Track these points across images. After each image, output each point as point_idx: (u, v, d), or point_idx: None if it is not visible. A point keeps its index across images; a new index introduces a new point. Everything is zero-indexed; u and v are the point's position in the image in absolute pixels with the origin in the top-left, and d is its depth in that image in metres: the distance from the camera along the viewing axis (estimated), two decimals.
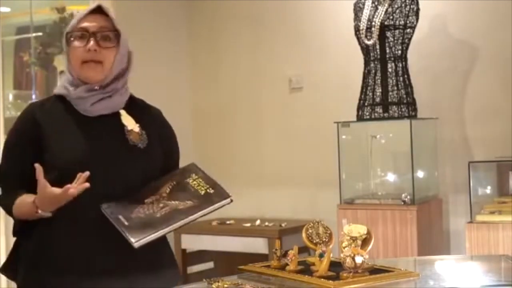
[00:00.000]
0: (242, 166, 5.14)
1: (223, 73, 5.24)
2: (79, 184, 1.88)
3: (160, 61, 5.11)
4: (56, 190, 1.88)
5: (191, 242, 4.76)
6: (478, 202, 3.90)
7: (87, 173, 1.89)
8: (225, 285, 1.88)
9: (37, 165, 1.90)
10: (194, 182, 1.99)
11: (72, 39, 2.06)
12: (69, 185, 1.87)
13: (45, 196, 1.91)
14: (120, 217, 1.90)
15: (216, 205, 1.93)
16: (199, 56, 5.35)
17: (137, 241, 1.84)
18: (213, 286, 1.87)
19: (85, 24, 2.05)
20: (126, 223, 1.88)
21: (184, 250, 4.75)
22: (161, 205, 1.93)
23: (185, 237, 4.72)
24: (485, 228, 3.64)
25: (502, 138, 4.14)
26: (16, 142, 2.09)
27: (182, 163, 2.15)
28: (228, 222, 4.80)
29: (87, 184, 1.88)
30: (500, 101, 4.22)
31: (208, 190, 1.96)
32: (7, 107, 4.70)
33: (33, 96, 5.03)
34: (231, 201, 1.94)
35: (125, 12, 4.78)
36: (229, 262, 4.49)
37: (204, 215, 1.93)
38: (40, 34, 5.05)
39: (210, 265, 4.99)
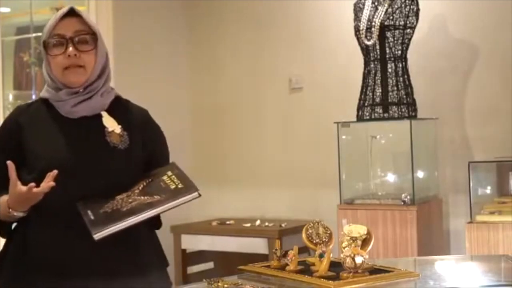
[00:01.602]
0: (242, 166, 5.13)
1: (223, 73, 5.24)
2: (46, 183, 1.89)
3: (160, 61, 5.11)
4: (23, 188, 1.89)
5: (191, 242, 4.76)
6: (478, 202, 3.90)
7: (55, 172, 1.89)
8: (225, 285, 1.88)
9: (9, 162, 1.91)
10: (168, 179, 2.00)
11: (49, 46, 2.06)
12: (33, 184, 1.88)
13: (15, 194, 1.92)
14: (89, 212, 1.92)
15: (183, 199, 1.92)
16: (199, 56, 5.34)
17: (96, 233, 1.86)
18: (213, 286, 1.87)
19: (61, 30, 2.05)
20: (92, 217, 1.90)
21: (184, 250, 4.75)
22: (130, 200, 1.94)
23: (185, 237, 4.72)
24: (485, 228, 3.64)
25: (502, 138, 4.14)
26: (0, 145, 2.10)
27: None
28: (228, 222, 4.80)
29: (52, 183, 1.89)
30: (500, 101, 4.22)
31: (178, 185, 1.96)
32: (7, 107, 4.70)
33: (33, 96, 5.03)
34: (199, 195, 1.92)
35: (125, 12, 4.79)
36: (229, 262, 4.49)
37: (170, 208, 1.92)
38: (40, 34, 5.04)
39: (210, 265, 4.99)
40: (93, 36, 2.06)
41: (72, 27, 2.05)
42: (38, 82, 5.13)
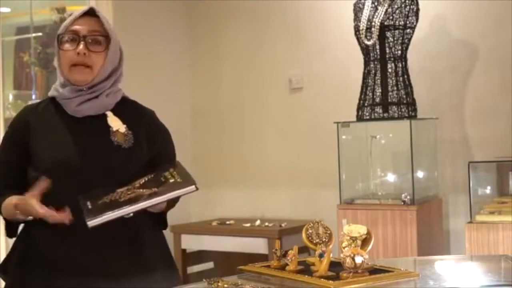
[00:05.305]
0: (242, 166, 5.14)
1: (223, 73, 5.24)
2: (64, 214, 1.91)
3: (160, 61, 5.11)
4: (41, 210, 1.91)
5: (191, 242, 4.76)
6: (478, 202, 3.90)
7: (47, 181, 1.93)
8: (225, 285, 1.87)
9: (44, 179, 1.94)
10: (169, 175, 2.01)
11: (63, 41, 2.08)
12: (53, 213, 1.91)
13: (30, 206, 1.94)
14: (88, 203, 1.94)
15: (179, 191, 1.92)
16: (199, 56, 5.35)
17: (89, 220, 1.87)
18: (213, 286, 1.87)
19: (76, 27, 2.07)
20: (89, 207, 1.92)
21: (184, 250, 4.75)
22: (129, 192, 1.96)
23: (185, 237, 4.72)
24: (485, 228, 3.64)
25: (502, 138, 4.14)
26: (8, 144, 2.13)
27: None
28: (228, 222, 4.80)
29: (67, 219, 1.91)
30: (500, 101, 4.22)
31: (177, 180, 1.97)
32: (7, 107, 4.69)
33: (33, 96, 5.02)
34: (196, 189, 1.92)
35: (125, 12, 4.79)
36: (229, 262, 4.49)
37: (165, 200, 1.93)
38: (40, 34, 5.04)
39: (210, 265, 4.99)
40: (106, 38, 2.08)
41: (87, 26, 2.07)
42: (38, 82, 5.12)
